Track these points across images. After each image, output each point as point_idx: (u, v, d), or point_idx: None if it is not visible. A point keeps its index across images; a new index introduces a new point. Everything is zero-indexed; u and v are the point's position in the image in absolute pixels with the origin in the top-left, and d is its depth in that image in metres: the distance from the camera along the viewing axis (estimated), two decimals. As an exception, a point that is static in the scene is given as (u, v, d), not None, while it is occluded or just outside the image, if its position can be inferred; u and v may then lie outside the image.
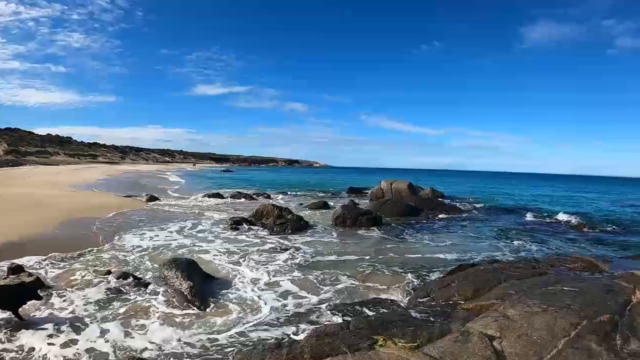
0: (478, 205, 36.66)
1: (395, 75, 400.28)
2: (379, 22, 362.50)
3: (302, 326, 8.70)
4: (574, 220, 28.74)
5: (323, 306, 9.99)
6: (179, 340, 7.97)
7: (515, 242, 19.84)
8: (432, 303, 8.98)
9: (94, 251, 14.42)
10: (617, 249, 19.43)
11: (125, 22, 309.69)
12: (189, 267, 11.16)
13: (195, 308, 9.57)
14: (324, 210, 28.86)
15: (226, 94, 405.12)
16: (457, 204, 35.42)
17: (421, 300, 9.55)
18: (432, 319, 7.63)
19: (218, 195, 35.87)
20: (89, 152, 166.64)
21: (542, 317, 6.38)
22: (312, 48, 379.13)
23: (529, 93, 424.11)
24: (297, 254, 15.16)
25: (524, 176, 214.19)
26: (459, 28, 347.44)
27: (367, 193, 43.56)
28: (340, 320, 8.76)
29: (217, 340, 8.05)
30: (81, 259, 13.37)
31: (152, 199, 30.95)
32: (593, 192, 74.56)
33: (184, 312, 9.38)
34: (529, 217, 30.54)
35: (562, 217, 29.99)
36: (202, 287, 10.61)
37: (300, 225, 20.62)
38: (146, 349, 7.62)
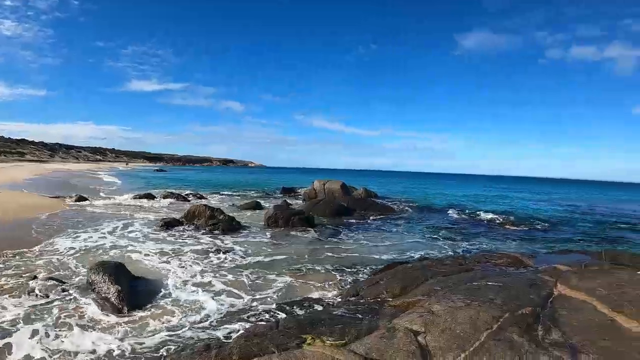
0: (411, 205, 37.47)
1: (332, 76, 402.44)
2: (314, 22, 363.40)
3: (233, 327, 8.55)
4: (502, 218, 29.86)
5: (254, 306, 9.88)
6: (108, 344, 7.65)
7: (446, 240, 20.33)
8: (361, 301, 9.00)
9: (24, 254, 13.64)
10: (542, 244, 20.27)
11: (60, 11, 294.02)
12: (116, 270, 10.73)
13: (124, 312, 9.27)
14: (256, 211, 28.57)
15: (162, 91, 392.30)
16: (390, 204, 36.04)
17: (351, 298, 9.56)
18: (360, 316, 7.63)
19: (150, 196, 34.85)
20: (17, 149, 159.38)
21: (466, 312, 6.49)
22: (249, 45, 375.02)
23: (462, 97, 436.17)
24: (229, 255, 14.87)
25: (456, 177, 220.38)
26: (395, 31, 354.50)
27: (300, 193, 43.65)
28: (270, 320, 8.67)
29: (145, 343, 7.76)
30: (10, 262, 12.59)
31: (82, 199, 29.62)
32: (523, 192, 78.39)
33: (112, 316, 8.99)
34: (460, 215, 31.51)
35: (491, 215, 31.13)
36: (130, 290, 10.23)
37: (233, 226, 20.35)
38: (78, 353, 7.33)
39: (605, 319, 6.81)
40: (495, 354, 5.50)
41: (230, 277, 12.23)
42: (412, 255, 16.12)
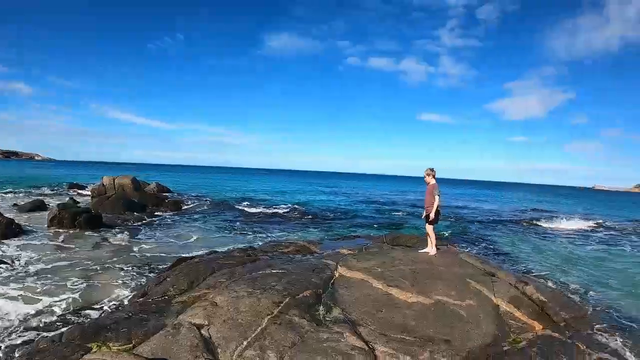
0: (205, 200, 37.56)
1: (131, 65, 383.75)
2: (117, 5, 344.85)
3: (16, 343, 7.81)
4: (296, 209, 31.32)
5: (40, 318, 9.08)
6: None
7: (239, 233, 20.92)
8: (149, 300, 8.81)
9: None
10: (332, 232, 21.84)
11: None
12: None
13: None
14: (41, 212, 26.20)
15: None
16: (185, 199, 35.94)
17: (139, 299, 9.31)
18: (147, 316, 7.47)
19: None
20: None
21: (248, 300, 6.80)
22: (42, 23, 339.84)
23: (262, 94, 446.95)
24: (10, 263, 13.48)
25: (255, 171, 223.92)
26: (204, 23, 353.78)
27: (89, 190, 41.37)
28: (57, 331, 8.08)
29: None
30: None
31: None
32: (319, 185, 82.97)
33: None
34: (255, 209, 32.56)
35: (285, 207, 32.46)
36: None
37: (12, 230, 18.44)
38: None
39: (382, 294, 7.69)
40: (276, 336, 5.85)
41: (12, 287, 10.99)
42: (203, 250, 16.11)
